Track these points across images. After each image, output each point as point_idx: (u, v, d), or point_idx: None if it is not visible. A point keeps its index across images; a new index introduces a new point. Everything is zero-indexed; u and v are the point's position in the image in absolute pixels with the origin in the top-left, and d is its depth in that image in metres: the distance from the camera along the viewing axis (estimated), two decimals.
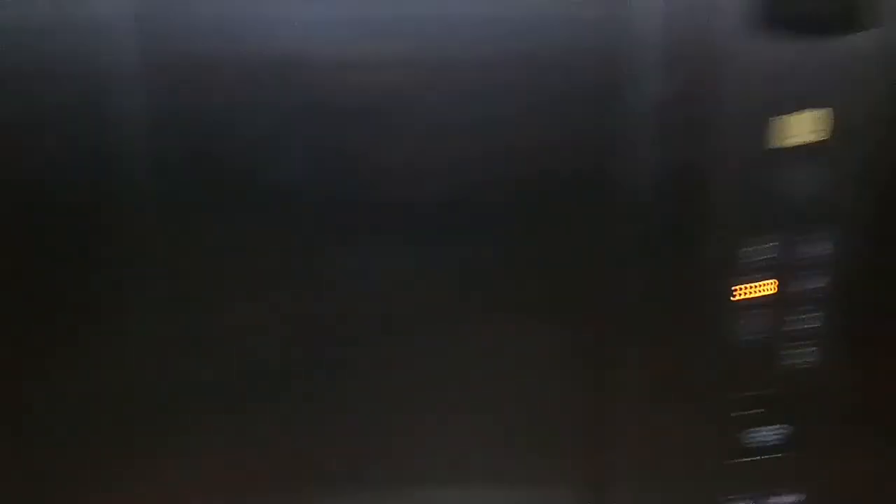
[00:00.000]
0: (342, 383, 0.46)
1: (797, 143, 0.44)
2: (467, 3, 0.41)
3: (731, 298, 0.46)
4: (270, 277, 0.43)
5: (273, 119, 0.40)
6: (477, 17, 0.41)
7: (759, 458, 0.50)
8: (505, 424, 0.48)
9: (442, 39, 0.41)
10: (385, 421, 0.47)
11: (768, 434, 0.50)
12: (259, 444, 0.46)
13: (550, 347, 0.47)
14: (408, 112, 0.41)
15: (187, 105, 0.40)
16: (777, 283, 0.46)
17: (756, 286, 0.46)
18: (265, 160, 0.41)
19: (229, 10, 0.39)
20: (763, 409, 0.49)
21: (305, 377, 0.45)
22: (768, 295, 0.46)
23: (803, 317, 0.47)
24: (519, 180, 0.43)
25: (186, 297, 0.43)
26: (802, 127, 0.44)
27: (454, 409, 0.47)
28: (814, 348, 0.48)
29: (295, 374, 0.45)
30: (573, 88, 0.42)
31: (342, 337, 0.45)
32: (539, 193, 0.43)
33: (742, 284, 0.46)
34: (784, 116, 0.44)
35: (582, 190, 0.44)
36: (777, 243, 0.45)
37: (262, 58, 0.40)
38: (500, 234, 0.44)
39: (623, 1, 0.41)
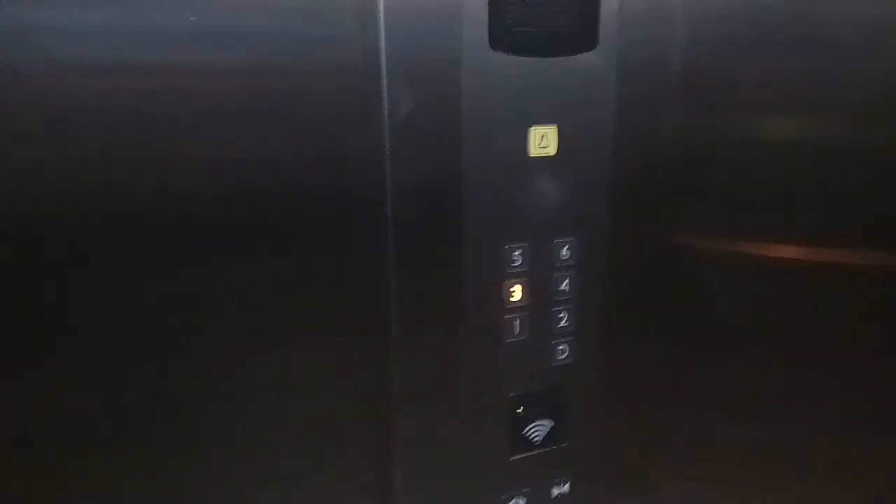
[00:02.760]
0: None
1: (539, 156, 0.47)
2: (215, 14, 0.40)
3: (494, 302, 0.49)
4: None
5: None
6: (220, 29, 0.40)
7: (537, 452, 0.53)
8: (293, 439, 0.47)
9: (186, 51, 0.39)
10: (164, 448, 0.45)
11: (543, 428, 0.53)
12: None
13: (324, 361, 0.47)
14: (150, 124, 0.39)
15: None
16: (531, 286, 0.49)
17: (513, 290, 0.49)
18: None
19: None
20: (536, 405, 0.52)
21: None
22: (524, 298, 0.49)
23: (559, 316, 0.51)
24: (272, 198, 0.43)
25: None
26: (544, 140, 0.47)
27: (239, 431, 0.46)
28: (568, 346, 0.51)
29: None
30: (324, 103, 0.43)
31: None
32: (293, 211, 0.43)
33: (500, 289, 0.48)
34: (528, 130, 0.47)
35: (337, 204, 0.44)
36: (528, 249, 0.48)
37: None
38: (253, 253, 0.43)
39: (374, 18, 0.42)
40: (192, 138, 0.40)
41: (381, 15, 0.41)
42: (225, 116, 0.40)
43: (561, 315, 0.50)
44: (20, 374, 0.40)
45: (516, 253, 0.48)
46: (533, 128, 0.47)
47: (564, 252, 0.49)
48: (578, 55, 0.47)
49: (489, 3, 0.44)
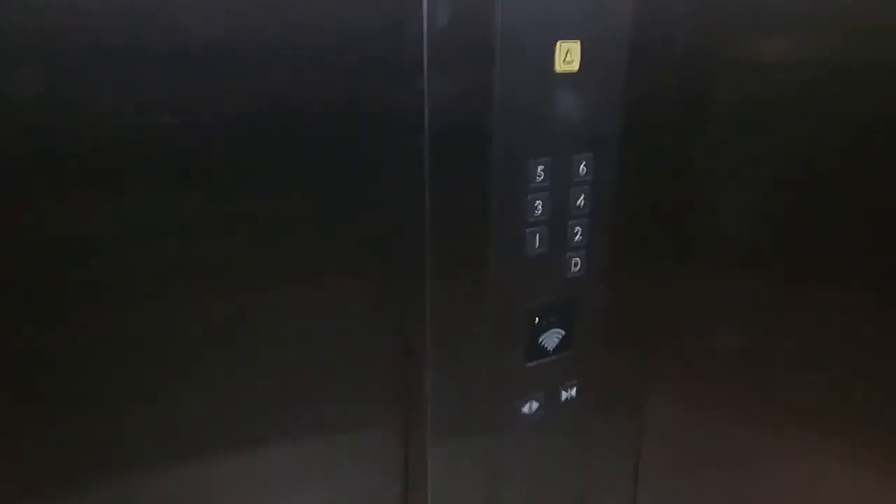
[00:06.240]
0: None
1: (564, 71, 0.48)
2: None
3: (518, 216, 0.50)
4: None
5: None
6: None
7: (549, 358, 0.56)
8: (312, 370, 0.49)
9: None
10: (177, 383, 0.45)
11: (556, 336, 0.56)
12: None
13: (357, 273, 0.48)
14: (173, 39, 0.38)
15: None
16: (552, 200, 0.51)
17: (536, 203, 0.50)
18: None
19: None
20: (551, 315, 0.55)
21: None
22: (544, 212, 0.51)
23: (575, 230, 0.53)
24: (301, 115, 0.42)
25: None
26: (569, 56, 0.48)
27: (266, 347, 0.47)
28: (581, 259, 0.54)
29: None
30: (361, 14, 0.42)
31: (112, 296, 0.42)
32: (323, 128, 0.43)
33: (524, 203, 0.50)
34: (555, 44, 0.47)
35: (365, 121, 0.44)
36: (549, 164, 0.50)
37: None
38: (278, 171, 0.43)
39: None
40: (220, 52, 0.39)
41: None
42: (254, 29, 0.39)
43: (576, 229, 0.53)
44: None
45: (540, 168, 0.49)
46: (559, 42, 0.47)
47: (582, 168, 0.51)
48: None
49: None
